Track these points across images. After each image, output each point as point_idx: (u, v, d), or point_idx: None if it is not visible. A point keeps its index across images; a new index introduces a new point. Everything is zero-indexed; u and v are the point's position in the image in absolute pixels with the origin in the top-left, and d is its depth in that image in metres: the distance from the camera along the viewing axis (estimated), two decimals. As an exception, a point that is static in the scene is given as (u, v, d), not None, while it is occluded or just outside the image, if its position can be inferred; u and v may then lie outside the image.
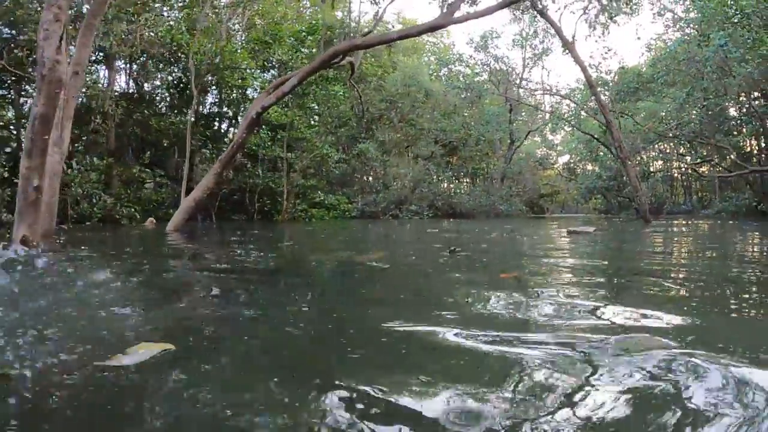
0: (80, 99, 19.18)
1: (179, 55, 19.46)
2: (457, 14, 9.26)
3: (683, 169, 32.51)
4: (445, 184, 34.61)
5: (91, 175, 16.52)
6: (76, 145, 17.77)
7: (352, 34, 21.13)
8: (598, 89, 26.07)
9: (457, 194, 30.30)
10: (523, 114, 35.44)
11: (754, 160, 23.40)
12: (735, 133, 23.99)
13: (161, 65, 20.58)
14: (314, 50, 21.80)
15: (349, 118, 26.63)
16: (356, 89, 17.59)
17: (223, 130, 23.81)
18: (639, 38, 49.42)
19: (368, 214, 25.48)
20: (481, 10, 10.30)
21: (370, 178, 29.23)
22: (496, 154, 34.40)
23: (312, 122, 23.61)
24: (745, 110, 22.56)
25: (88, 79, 19.00)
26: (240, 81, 20.53)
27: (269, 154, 21.71)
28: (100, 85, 18.89)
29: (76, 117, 7.43)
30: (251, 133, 12.38)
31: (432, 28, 9.76)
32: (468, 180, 37.68)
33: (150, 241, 9.09)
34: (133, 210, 16.97)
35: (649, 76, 26.42)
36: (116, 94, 19.57)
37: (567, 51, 15.53)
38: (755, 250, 6.48)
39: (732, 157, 23.23)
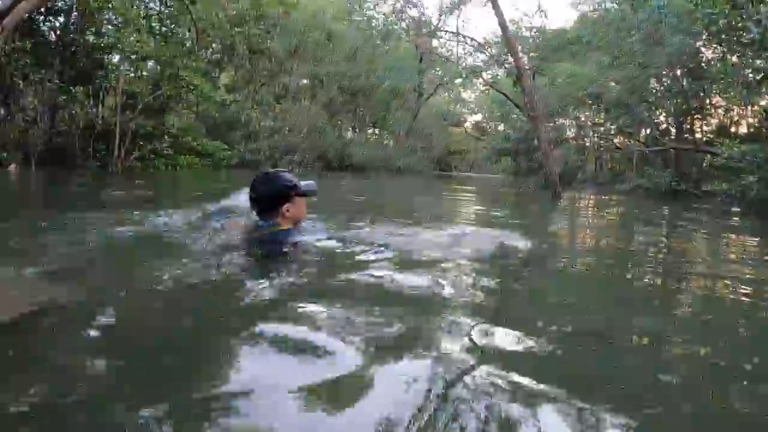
0: None
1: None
2: None
3: (597, 139, 30.69)
4: (349, 134, 31.04)
5: None
6: None
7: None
8: (518, 45, 23.41)
9: (350, 145, 26.68)
10: (438, 70, 32.08)
11: (672, 137, 21.66)
12: (654, 107, 22.13)
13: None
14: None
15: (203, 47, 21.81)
16: (187, 6, 13.06)
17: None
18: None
19: (250, 163, 21.59)
20: None
21: (261, 124, 24.85)
22: (404, 107, 31.12)
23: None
24: (667, 85, 20.57)
25: None
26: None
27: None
28: None
29: None
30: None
31: None
32: (375, 132, 34.22)
33: None
34: None
35: (573, 37, 23.96)
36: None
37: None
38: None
39: (649, 131, 21.45)
